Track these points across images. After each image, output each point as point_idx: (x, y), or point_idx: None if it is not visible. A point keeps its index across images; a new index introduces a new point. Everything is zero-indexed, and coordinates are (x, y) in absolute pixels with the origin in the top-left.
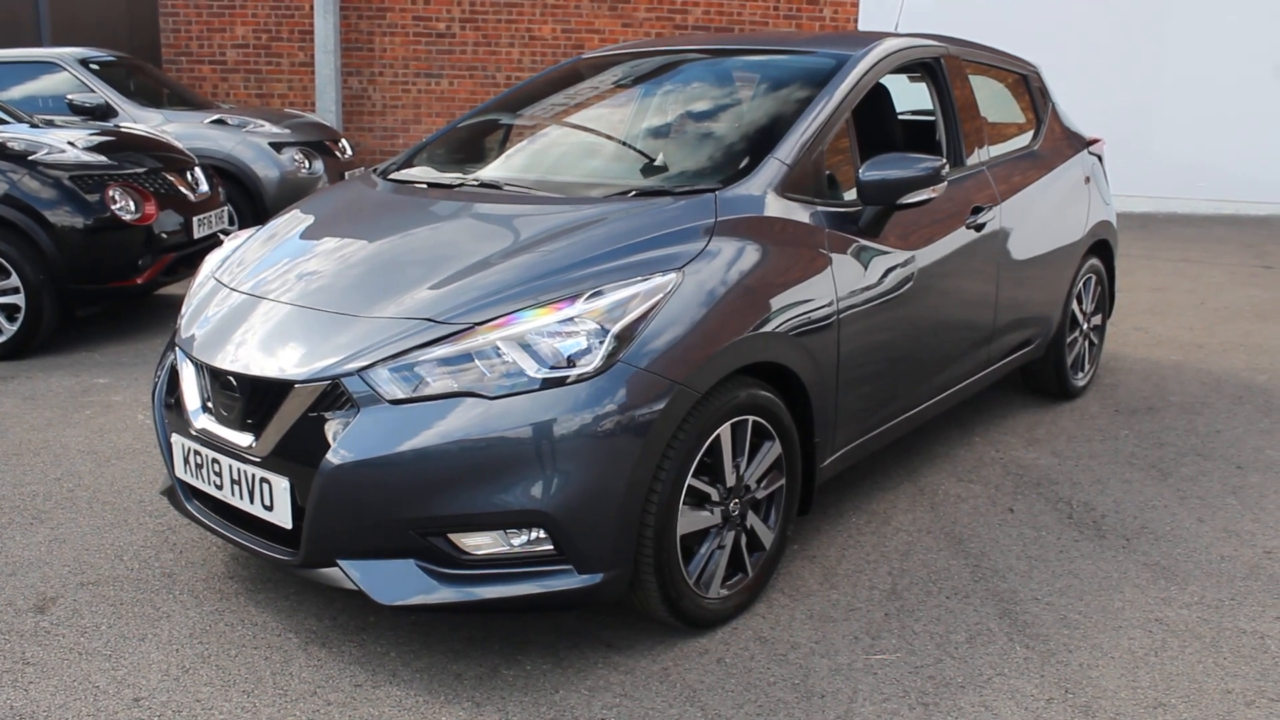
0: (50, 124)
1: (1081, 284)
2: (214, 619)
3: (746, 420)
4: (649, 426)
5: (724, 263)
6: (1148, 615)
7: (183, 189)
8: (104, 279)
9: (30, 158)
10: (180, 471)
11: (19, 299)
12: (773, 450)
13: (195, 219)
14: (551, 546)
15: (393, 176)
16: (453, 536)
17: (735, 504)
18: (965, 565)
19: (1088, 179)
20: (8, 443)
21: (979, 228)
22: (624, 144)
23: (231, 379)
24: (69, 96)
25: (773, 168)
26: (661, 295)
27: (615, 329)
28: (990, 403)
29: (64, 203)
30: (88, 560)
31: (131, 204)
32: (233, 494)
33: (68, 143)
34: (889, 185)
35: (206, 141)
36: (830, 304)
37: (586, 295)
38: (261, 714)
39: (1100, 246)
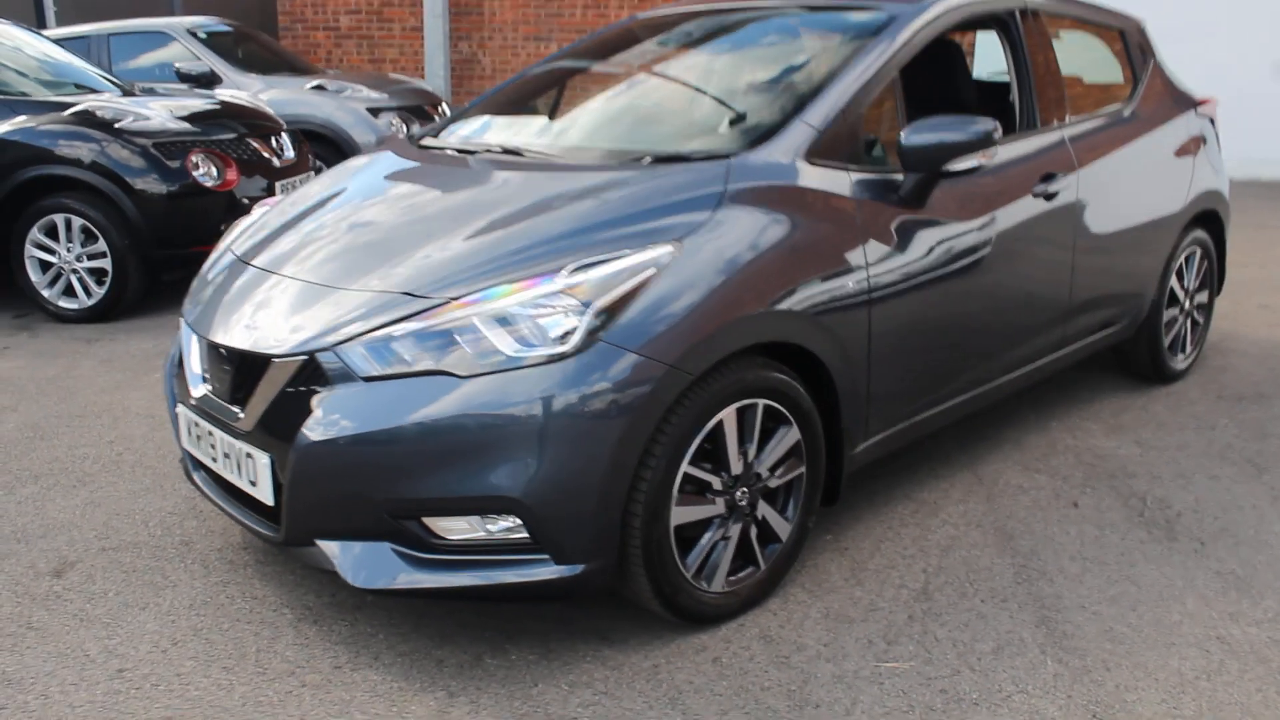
0: (151, 92)
1: (1183, 258)
2: (217, 590)
3: (756, 404)
4: (633, 411)
5: (730, 234)
6: (1208, 632)
7: (266, 154)
8: (187, 244)
9: (116, 125)
10: (185, 442)
11: (106, 263)
12: (789, 436)
13: (280, 184)
14: (527, 535)
15: (425, 142)
16: (426, 520)
17: (743, 493)
18: (1010, 565)
19: (1194, 143)
20: (75, 404)
21: (1050, 197)
22: (654, 108)
23: (222, 351)
24: (176, 65)
25: (800, 132)
26: (654, 269)
27: (597, 305)
28: (1075, 385)
29: (147, 169)
30: (115, 525)
31: (214, 170)
32: (225, 467)
33: (154, 110)
34: (933, 150)
35: (305, 107)
36: (861, 280)
37: (569, 269)
38: (236, 692)
39: (1207, 217)
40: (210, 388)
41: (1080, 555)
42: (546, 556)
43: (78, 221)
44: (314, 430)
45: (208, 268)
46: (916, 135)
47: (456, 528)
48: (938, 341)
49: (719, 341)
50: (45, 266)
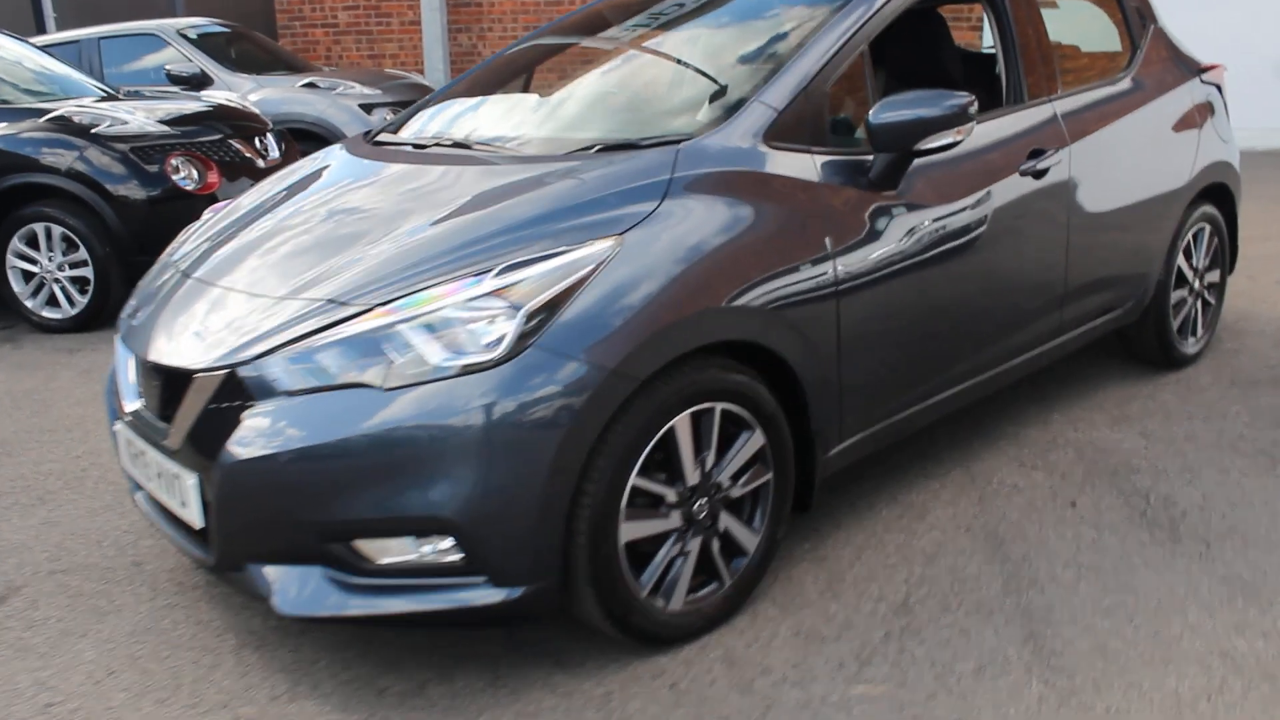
0: (138, 95)
1: (1190, 235)
2: (162, 614)
3: (713, 409)
4: (572, 421)
5: (677, 226)
6: (1211, 646)
7: (250, 155)
8: None
9: (93, 130)
10: (124, 460)
11: (88, 272)
12: (753, 442)
13: None
14: (461, 556)
15: (381, 138)
16: (357, 544)
17: (701, 505)
18: (999, 574)
19: (1199, 112)
20: (49, 418)
21: (1039, 175)
22: (611, 93)
23: (151, 366)
24: (166, 67)
25: (757, 113)
26: (592, 266)
27: (528, 308)
28: (1079, 373)
29: (125, 175)
30: (68, 546)
31: (194, 173)
32: (158, 487)
33: (131, 114)
34: (903, 128)
35: (296, 105)
36: (827, 270)
37: (498, 270)
38: None
39: (1215, 191)
40: (142, 403)
41: (1075, 561)
42: (483, 579)
43: (58, 230)
44: (237, 449)
45: (146, 278)
46: (885, 113)
47: (389, 551)
48: (917, 334)
49: (666, 343)
50: (28, 276)
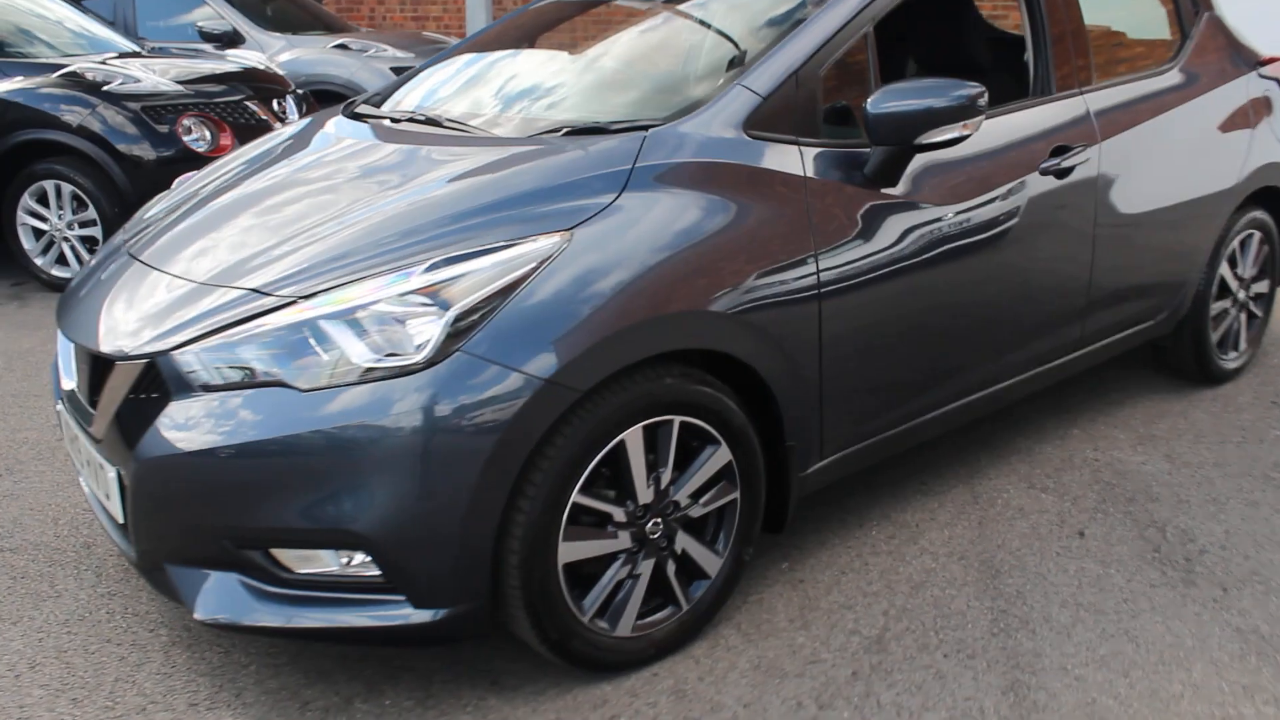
0: (163, 51)
1: (1236, 242)
2: (100, 603)
3: (670, 421)
4: (502, 434)
5: (636, 222)
6: (1214, 710)
7: (265, 117)
8: None
9: (105, 88)
10: (65, 442)
11: (97, 231)
12: (717, 458)
13: None
14: (379, 573)
15: (361, 109)
16: (275, 551)
17: (655, 524)
18: (988, 610)
19: (1253, 109)
20: (38, 382)
21: (1062, 174)
22: (598, 70)
23: (80, 349)
24: (199, 23)
25: (739, 99)
26: (533, 265)
27: (456, 309)
28: (1106, 384)
29: (135, 134)
30: (23, 522)
31: (207, 134)
32: (88, 475)
33: (145, 72)
34: (904, 119)
35: (327, 67)
36: (808, 274)
37: (427, 265)
38: None
39: (1267, 195)
40: (75, 385)
41: (1075, 600)
42: (402, 598)
43: (68, 188)
44: (151, 445)
45: (95, 254)
46: (885, 102)
47: (308, 560)
48: (912, 344)
49: (613, 351)
50: (38, 234)
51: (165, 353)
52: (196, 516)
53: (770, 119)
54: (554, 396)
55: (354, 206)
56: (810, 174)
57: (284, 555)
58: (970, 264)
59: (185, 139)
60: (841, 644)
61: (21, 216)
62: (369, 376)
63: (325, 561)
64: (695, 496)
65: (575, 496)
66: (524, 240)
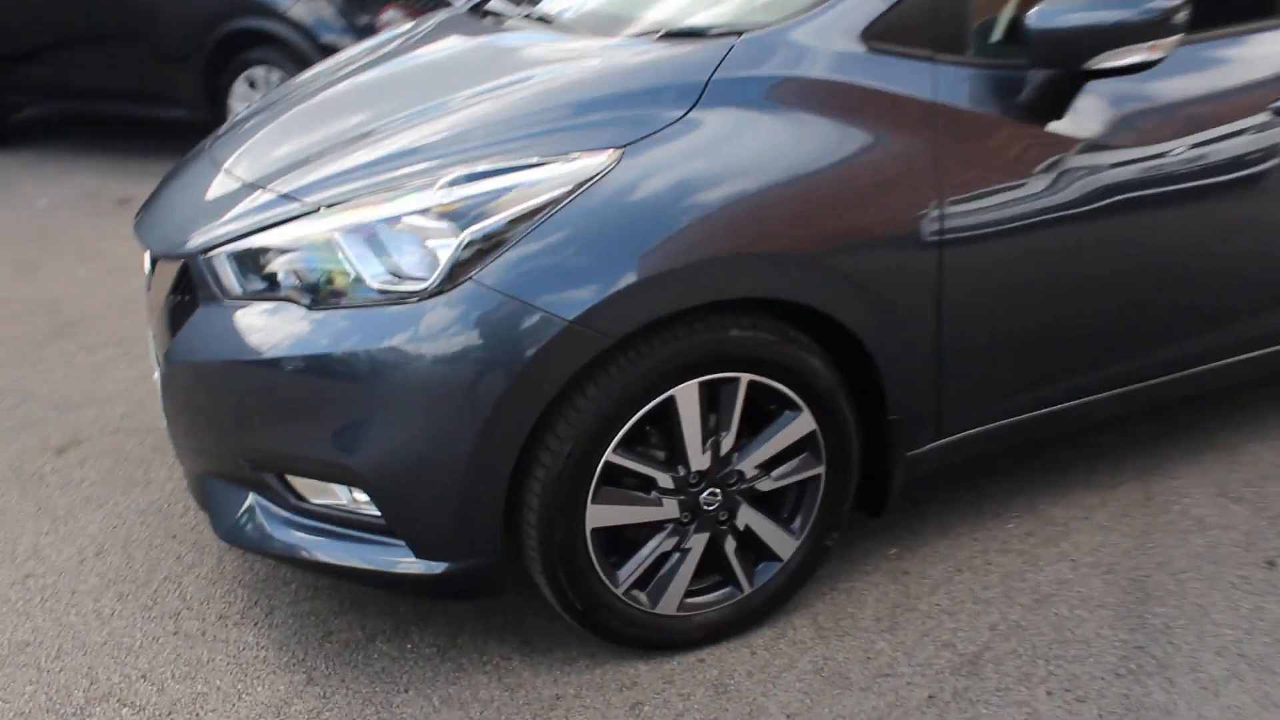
0: None
1: None
2: (179, 497)
3: (736, 380)
4: (511, 377)
5: (703, 143)
6: None
7: None
8: None
9: None
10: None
11: None
12: (797, 426)
13: None
14: (379, 513)
15: (490, 5)
16: (289, 477)
17: (712, 494)
18: (1121, 644)
19: None
20: None
21: None
22: None
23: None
24: None
25: (855, 3)
26: (569, 187)
27: (470, 232)
28: None
29: (337, 24)
30: (146, 405)
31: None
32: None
33: None
34: (1075, 36)
35: None
36: (926, 216)
37: (448, 179)
38: (109, 627)
39: None
40: (145, 283)
41: (1237, 649)
42: (402, 544)
43: (276, 76)
44: (175, 349)
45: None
46: (1053, 13)
47: (320, 491)
48: (1074, 311)
49: (657, 294)
50: None
51: (195, 254)
52: (214, 430)
53: (901, 27)
54: (580, 341)
55: (414, 110)
56: (944, 99)
57: (299, 483)
58: (1158, 221)
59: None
60: (928, 658)
61: (235, 106)
62: (377, 300)
63: (337, 494)
64: (767, 468)
65: (610, 455)
66: (561, 158)
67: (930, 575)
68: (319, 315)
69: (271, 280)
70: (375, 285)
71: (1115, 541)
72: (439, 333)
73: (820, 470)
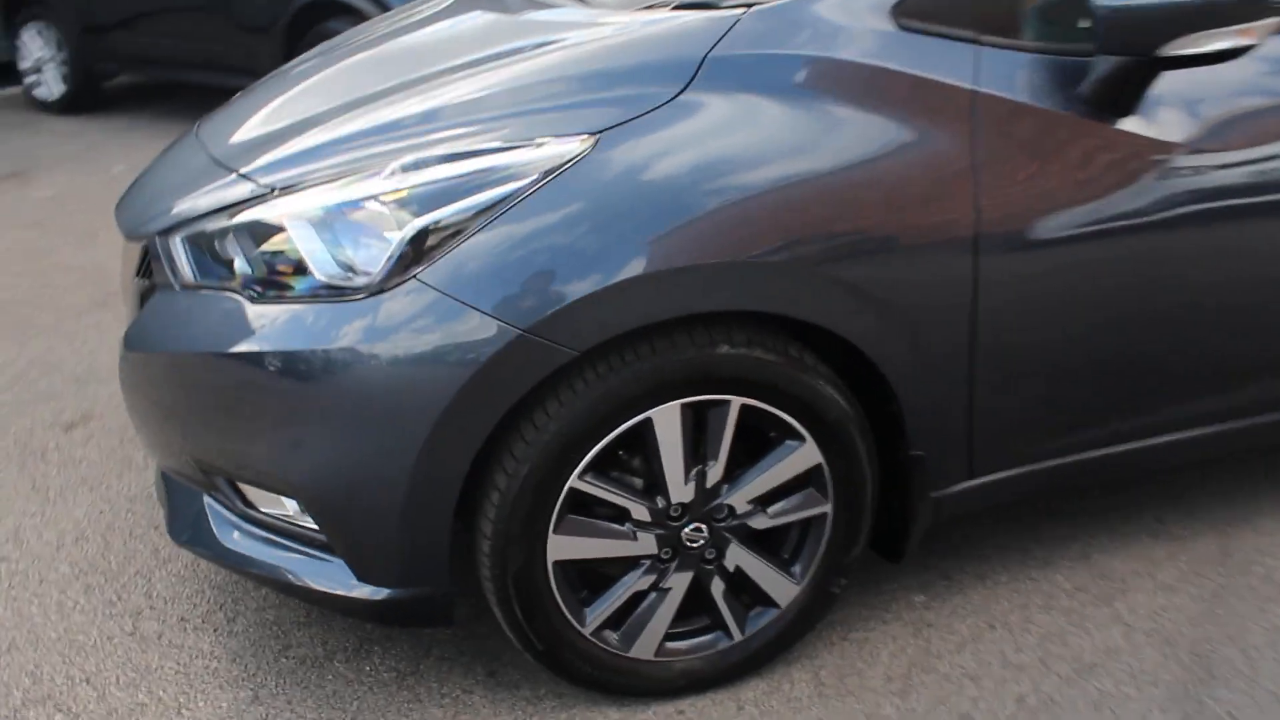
0: None
1: None
2: None
3: (725, 403)
4: (456, 390)
5: (694, 129)
6: None
7: None
8: None
9: None
10: None
11: None
12: (799, 458)
13: None
14: (316, 527)
15: None
16: (239, 483)
17: (696, 530)
18: None
19: None
20: None
21: None
22: None
23: None
24: None
25: None
26: (534, 176)
27: (415, 224)
28: None
29: None
30: None
31: None
32: None
33: None
34: (1146, 16)
35: None
36: (961, 222)
37: (399, 164)
38: (67, 621)
39: None
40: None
41: None
42: (344, 566)
43: None
44: (130, 337)
45: None
46: None
47: (267, 499)
48: (1131, 339)
49: (627, 303)
50: None
51: (152, 235)
52: (165, 426)
53: (939, 3)
54: (536, 353)
55: (398, 85)
56: (987, 88)
57: (248, 489)
58: (1247, 237)
59: None
60: None
61: None
62: (321, 296)
63: (284, 505)
64: (763, 503)
65: (576, 481)
66: (527, 144)
67: (958, 631)
68: (262, 309)
69: (228, 268)
70: (322, 279)
71: (1180, 605)
72: (376, 336)
73: (826, 509)
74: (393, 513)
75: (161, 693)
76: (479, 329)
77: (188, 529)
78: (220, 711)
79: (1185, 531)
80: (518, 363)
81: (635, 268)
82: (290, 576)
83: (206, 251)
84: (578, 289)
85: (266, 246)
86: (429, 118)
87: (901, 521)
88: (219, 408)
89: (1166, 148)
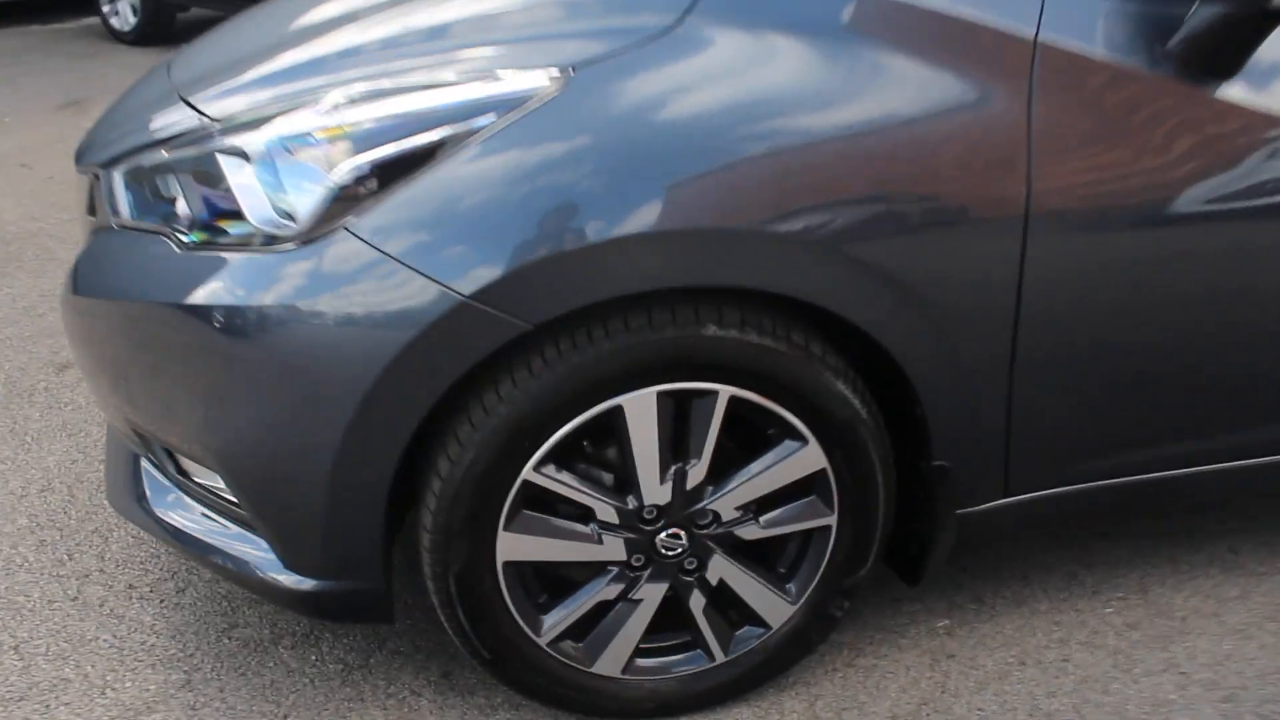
0: None
1: None
2: None
3: (713, 394)
4: (389, 359)
5: (690, 68)
6: None
7: None
8: None
9: None
10: None
11: None
12: (799, 461)
13: None
14: (236, 502)
15: None
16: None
17: (673, 537)
18: None
19: None
20: None
21: None
22: None
23: None
24: None
25: None
26: (490, 116)
27: (348, 166)
28: None
29: None
30: None
31: None
32: None
33: None
34: None
35: None
36: (1008, 195)
37: (339, 97)
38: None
39: None
40: None
41: None
42: (269, 548)
43: None
44: (71, 280)
45: None
46: None
47: (199, 469)
48: (1207, 342)
49: (592, 271)
50: None
51: (95, 168)
52: (103, 380)
53: None
54: (482, 324)
55: (370, 9)
56: (1051, 37)
57: (183, 457)
58: None
59: None
60: None
61: None
62: (249, 244)
63: (217, 476)
64: (756, 511)
65: (530, 473)
66: (484, 78)
67: (982, 666)
68: (190, 256)
69: (171, 206)
70: (256, 224)
71: (1249, 656)
72: (299, 292)
73: (830, 521)
74: (317, 495)
75: (90, 668)
76: (415, 292)
77: (122, 493)
78: (146, 695)
79: (1262, 568)
80: (460, 334)
81: (606, 230)
82: (218, 557)
83: (146, 188)
84: (533, 252)
85: (205, 186)
86: (391, 44)
87: (922, 541)
88: (145, 364)
89: (1277, 123)
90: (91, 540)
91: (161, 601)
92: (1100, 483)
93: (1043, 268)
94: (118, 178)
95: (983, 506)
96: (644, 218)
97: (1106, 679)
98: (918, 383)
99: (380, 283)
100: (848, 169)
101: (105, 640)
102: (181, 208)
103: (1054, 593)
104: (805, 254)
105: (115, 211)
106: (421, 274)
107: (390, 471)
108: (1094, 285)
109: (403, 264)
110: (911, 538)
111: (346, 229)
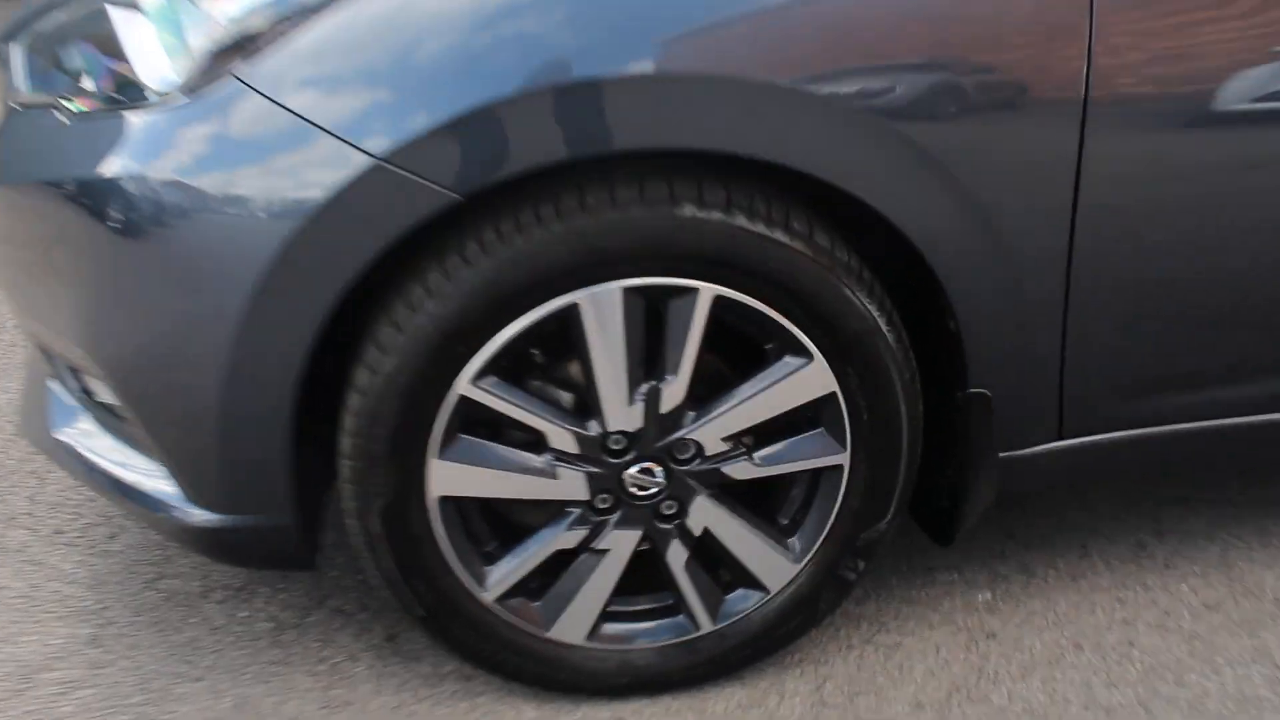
0: None
1: None
2: None
3: (693, 292)
4: (287, 239)
5: None
6: None
7: None
8: None
9: None
10: None
11: None
12: (801, 382)
13: None
14: (123, 404)
15: None
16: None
17: (646, 473)
18: None
19: None
20: None
21: None
22: None
23: None
24: None
25: None
26: None
27: (235, 5)
28: None
29: None
30: None
31: None
32: None
33: None
34: None
35: None
36: (1065, 77)
37: None
38: None
39: None
40: None
41: None
42: (166, 474)
43: None
44: None
45: None
46: None
47: (99, 384)
48: None
49: (540, 126)
50: None
51: (2, 41)
52: (6, 288)
53: None
54: (401, 193)
55: None
56: None
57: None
58: None
59: None
60: None
61: None
62: (133, 105)
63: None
64: (748, 444)
65: (467, 387)
66: None
67: (1029, 648)
68: (73, 128)
69: (74, 80)
70: (142, 83)
71: None
72: (174, 160)
73: (841, 460)
74: (209, 410)
75: (10, 623)
76: (316, 152)
77: (31, 417)
78: (47, 650)
79: None
80: (374, 207)
81: (555, 74)
82: (115, 489)
83: (47, 59)
84: (466, 101)
85: (101, 49)
86: None
87: (954, 491)
88: (34, 259)
89: None
90: (26, 481)
91: (90, 548)
92: (1177, 426)
93: (1101, 167)
94: (17, 49)
95: (1031, 450)
96: (607, 59)
97: (1180, 668)
98: (949, 287)
99: (276, 141)
100: (877, 23)
101: (17, 590)
102: (86, 81)
103: (1118, 566)
104: (816, 116)
105: (14, 87)
106: (325, 130)
107: (292, 380)
108: (1164, 193)
109: (302, 118)
110: (943, 489)
111: (235, 76)
